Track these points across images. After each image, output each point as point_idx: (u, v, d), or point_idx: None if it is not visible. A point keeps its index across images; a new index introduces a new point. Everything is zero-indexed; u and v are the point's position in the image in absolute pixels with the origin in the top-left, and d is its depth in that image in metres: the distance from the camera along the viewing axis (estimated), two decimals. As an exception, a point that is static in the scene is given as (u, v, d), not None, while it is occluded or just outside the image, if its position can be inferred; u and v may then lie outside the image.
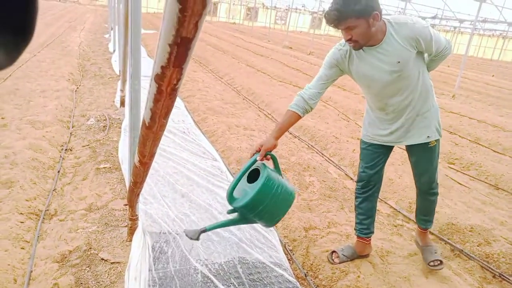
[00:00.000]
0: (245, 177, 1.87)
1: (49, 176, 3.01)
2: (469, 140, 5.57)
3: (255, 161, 1.87)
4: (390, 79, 1.88)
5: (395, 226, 2.94)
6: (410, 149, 2.11)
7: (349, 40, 1.78)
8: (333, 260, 2.27)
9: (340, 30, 1.77)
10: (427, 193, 2.19)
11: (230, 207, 1.84)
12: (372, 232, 2.30)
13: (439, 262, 2.24)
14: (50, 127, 3.88)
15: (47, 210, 2.58)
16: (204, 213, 2.57)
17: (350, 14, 1.68)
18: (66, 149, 3.61)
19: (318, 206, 3.02)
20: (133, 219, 2.17)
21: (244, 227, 2.48)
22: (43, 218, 2.48)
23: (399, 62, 1.83)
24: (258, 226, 2.50)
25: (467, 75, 14.68)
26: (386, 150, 2.15)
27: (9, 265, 1.98)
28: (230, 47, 13.88)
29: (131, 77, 1.98)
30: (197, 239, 1.87)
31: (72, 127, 4.16)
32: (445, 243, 2.76)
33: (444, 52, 1.93)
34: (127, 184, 2.90)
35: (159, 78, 0.71)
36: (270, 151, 1.89)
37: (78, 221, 2.47)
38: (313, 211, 2.95)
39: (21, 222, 2.34)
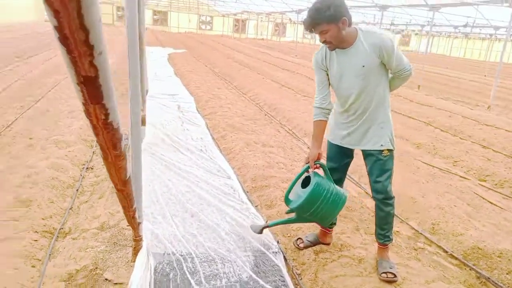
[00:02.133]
0: (299, 183, 2.27)
1: (68, 195, 3.11)
2: (504, 154, 5.23)
3: (306, 169, 2.26)
4: (354, 81, 2.10)
5: (415, 250, 2.77)
6: (365, 157, 2.29)
7: (324, 42, 2.06)
8: (298, 245, 2.57)
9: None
10: (381, 203, 2.29)
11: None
12: (334, 224, 2.61)
13: (393, 276, 2.28)
14: (73, 146, 4.03)
15: (62, 228, 2.64)
16: (211, 233, 2.54)
17: (322, 20, 1.96)
18: (87, 168, 3.72)
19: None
20: (137, 239, 2.17)
21: (251, 247, 2.42)
22: (57, 236, 2.55)
23: (363, 66, 2.06)
24: (265, 248, 2.43)
25: (504, 84, 13.96)
26: (347, 152, 2.36)
27: (18, 283, 2.03)
28: (256, 63, 14.01)
29: (130, 100, 2.01)
30: (260, 233, 2.43)
31: (95, 146, 4.30)
32: (470, 269, 2.57)
33: (403, 73, 2.13)
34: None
35: (87, 114, 0.70)
36: (318, 160, 2.25)
37: (89, 240, 2.51)
38: (326, 232, 2.84)
39: (34, 241, 2.41)
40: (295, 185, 2.29)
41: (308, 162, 2.25)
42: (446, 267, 2.57)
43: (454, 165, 4.71)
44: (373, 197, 2.34)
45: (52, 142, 4.03)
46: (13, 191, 2.87)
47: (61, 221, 2.72)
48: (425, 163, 4.61)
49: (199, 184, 3.28)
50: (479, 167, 4.58)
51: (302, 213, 2.19)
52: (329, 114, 2.26)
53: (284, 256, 2.48)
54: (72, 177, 3.41)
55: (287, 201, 2.25)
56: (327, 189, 2.13)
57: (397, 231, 3.02)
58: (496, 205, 3.61)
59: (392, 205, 2.31)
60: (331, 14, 1.93)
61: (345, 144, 2.30)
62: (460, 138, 5.93)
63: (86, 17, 0.51)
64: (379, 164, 2.21)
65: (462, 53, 40.53)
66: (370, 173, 2.28)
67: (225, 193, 3.16)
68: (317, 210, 2.12)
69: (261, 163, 3.99)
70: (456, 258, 2.68)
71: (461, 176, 4.34)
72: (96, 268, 2.22)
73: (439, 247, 2.83)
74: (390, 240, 2.41)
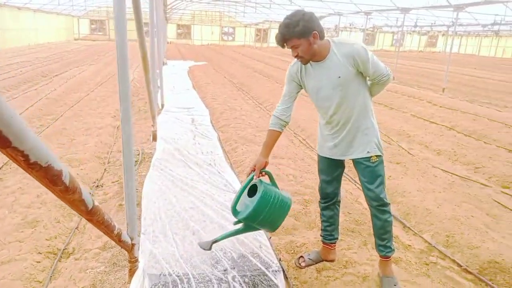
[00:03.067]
0: (246, 193, 2.22)
1: (75, 214, 3.16)
2: (532, 159, 4.92)
3: (252, 178, 2.22)
4: (332, 93, 2.09)
5: (427, 265, 2.62)
6: (355, 166, 2.26)
7: (296, 56, 2.05)
8: (300, 264, 2.48)
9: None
10: (377, 211, 2.23)
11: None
12: (336, 239, 2.51)
13: None
14: (86, 164, 4.12)
15: (66, 249, 2.68)
16: (210, 252, 2.50)
17: (292, 35, 1.96)
18: (97, 186, 3.79)
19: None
20: (132, 261, 2.17)
21: (250, 266, 2.37)
22: (60, 257, 2.58)
23: (339, 77, 2.04)
24: (264, 267, 2.37)
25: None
26: (337, 163, 2.33)
27: (16, 306, 2.06)
28: (275, 72, 14.00)
29: (121, 121, 2.01)
30: (210, 249, 2.32)
31: (108, 163, 4.38)
32: (486, 285, 2.40)
33: (381, 78, 2.10)
34: (142, 220, 2.94)
35: (4, 153, 0.68)
36: (264, 168, 2.24)
37: (90, 260, 2.53)
38: (331, 248, 2.74)
39: (37, 262, 2.45)
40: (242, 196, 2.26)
41: (254, 171, 2.23)
42: (459, 283, 2.41)
43: (475, 172, 4.47)
44: (369, 206, 2.30)
45: (65, 160, 4.14)
46: (22, 212, 2.95)
47: (65, 241, 2.76)
48: (444, 171, 4.40)
49: (204, 200, 3.26)
50: (503, 173, 4.32)
51: (251, 222, 2.18)
52: (285, 126, 2.26)
53: (285, 275, 2.41)
54: (82, 196, 3.47)
55: (234, 212, 2.23)
56: (274, 196, 2.13)
57: (409, 245, 2.88)
58: (520, 215, 3.38)
59: (388, 212, 2.25)
60: (300, 30, 1.94)
61: (333, 155, 2.29)
62: (484, 142, 5.65)
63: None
64: (369, 171, 2.18)
65: (492, 52, 39.00)
66: (361, 182, 2.25)
67: (229, 209, 3.12)
68: (265, 218, 2.11)
69: (269, 176, 3.92)
70: (470, 273, 2.52)
71: (481, 184, 4.11)
72: (94, 289, 2.22)
73: (453, 261, 2.67)
74: (392, 251, 2.32)
